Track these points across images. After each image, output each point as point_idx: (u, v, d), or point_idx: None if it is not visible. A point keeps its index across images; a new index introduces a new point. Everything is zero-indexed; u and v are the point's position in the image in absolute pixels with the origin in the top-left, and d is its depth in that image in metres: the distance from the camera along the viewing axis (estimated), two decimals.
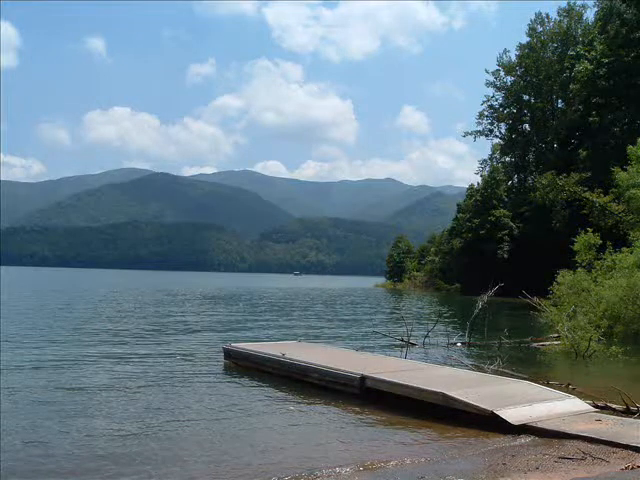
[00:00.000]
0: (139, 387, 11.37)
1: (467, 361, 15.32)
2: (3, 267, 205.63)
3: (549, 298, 22.63)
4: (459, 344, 19.05)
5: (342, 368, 10.92)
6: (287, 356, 12.32)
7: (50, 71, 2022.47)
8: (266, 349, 13.46)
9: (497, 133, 72.73)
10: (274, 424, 8.87)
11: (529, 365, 15.08)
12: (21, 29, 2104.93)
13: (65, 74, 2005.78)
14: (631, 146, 26.76)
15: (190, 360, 14.99)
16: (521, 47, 67.76)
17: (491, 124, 71.84)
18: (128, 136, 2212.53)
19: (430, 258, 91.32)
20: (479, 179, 75.14)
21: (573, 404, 9.02)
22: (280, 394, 10.97)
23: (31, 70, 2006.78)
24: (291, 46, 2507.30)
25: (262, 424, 8.89)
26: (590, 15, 66.50)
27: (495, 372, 12.85)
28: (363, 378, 10.29)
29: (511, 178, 73.63)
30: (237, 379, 12.44)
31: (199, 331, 22.77)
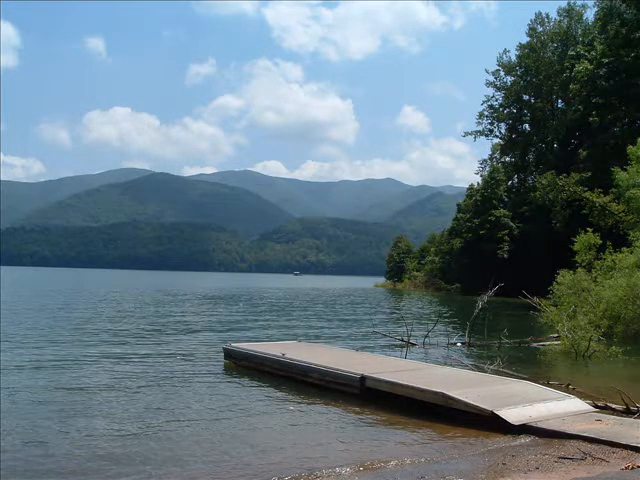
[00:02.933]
0: (139, 387, 11.37)
1: (467, 361, 15.33)
2: (3, 267, 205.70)
3: (549, 298, 22.64)
4: (459, 344, 19.07)
5: (342, 368, 10.92)
6: (287, 356, 12.32)
7: (50, 71, 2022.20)
8: (266, 349, 13.46)
9: (497, 133, 72.77)
10: (274, 424, 8.88)
11: (529, 365, 15.09)
12: (21, 29, 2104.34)
13: (65, 74, 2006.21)
14: (631, 146, 26.76)
15: (190, 360, 15.00)
16: (521, 47, 67.78)
17: (491, 124, 71.85)
18: (128, 136, 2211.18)
19: (430, 258, 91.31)
20: (479, 179, 75.34)
21: (573, 404, 9.03)
22: (280, 394, 10.98)
23: (31, 70, 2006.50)
24: (291, 46, 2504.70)
25: (262, 424, 8.89)
26: (590, 15, 66.59)
27: (495, 372, 12.86)
28: (363, 378, 10.29)
29: (511, 178, 73.65)
30: (237, 379, 12.45)
31: (199, 331, 22.79)
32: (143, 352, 16.19)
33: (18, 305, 34.73)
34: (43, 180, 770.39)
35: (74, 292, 56.16)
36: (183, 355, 15.77)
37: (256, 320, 28.29)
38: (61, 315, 28.48)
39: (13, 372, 12.60)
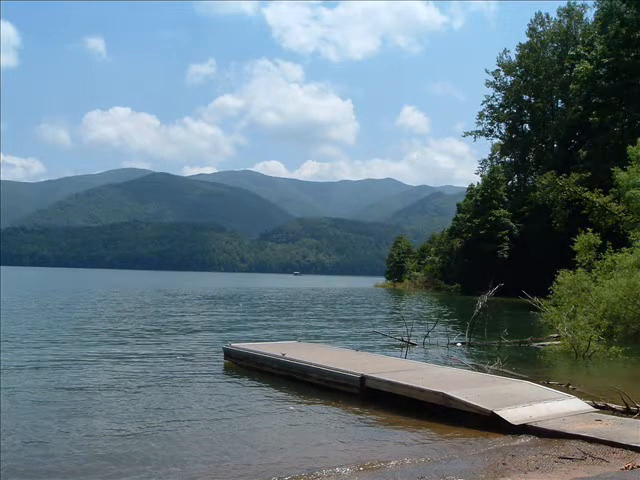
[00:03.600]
0: (139, 387, 11.37)
1: (467, 361, 15.32)
2: (3, 267, 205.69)
3: (549, 298, 22.65)
4: (459, 344, 19.06)
5: (342, 368, 10.91)
6: (287, 356, 12.32)
7: (50, 71, 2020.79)
8: (266, 349, 13.46)
9: (497, 133, 72.89)
10: (274, 424, 8.87)
11: (529, 365, 15.09)
12: (21, 29, 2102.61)
13: (65, 74, 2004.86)
14: (631, 146, 26.78)
15: (190, 360, 15.01)
16: (521, 47, 67.82)
17: (491, 124, 71.93)
18: (128, 136, 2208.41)
19: (430, 258, 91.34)
20: (479, 179, 75.33)
21: (573, 404, 9.02)
22: (280, 394, 10.97)
23: (31, 70, 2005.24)
24: (291, 46, 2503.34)
25: (262, 424, 8.88)
26: (590, 15, 66.68)
27: (495, 372, 12.85)
28: (363, 378, 10.28)
29: (511, 178, 73.70)
30: (237, 379, 12.44)
31: (199, 331, 22.80)
32: (143, 352, 16.18)
33: (18, 305, 34.72)
34: (43, 180, 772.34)
35: (74, 292, 56.14)
36: (183, 355, 15.77)
37: (256, 320, 28.28)
38: (61, 315, 28.47)
39: (13, 372, 12.59)
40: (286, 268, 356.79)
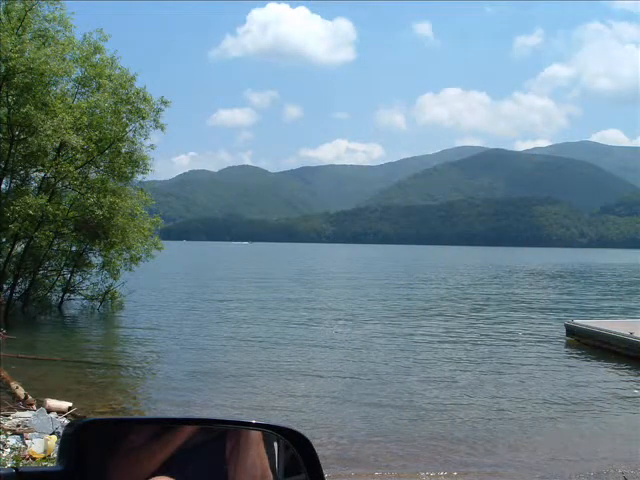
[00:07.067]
0: (482, 365, 11.76)
1: None
2: (351, 245, 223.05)
3: None
4: None
5: None
6: (636, 335, 11.67)
7: (383, 60, 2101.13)
8: (611, 327, 12.89)
9: None
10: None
11: None
12: (357, 24, 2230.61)
13: (397, 61, 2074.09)
14: None
15: (530, 334, 15.03)
16: None
17: None
18: (459, 115, 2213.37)
19: None
20: None
21: None
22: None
23: (366, 61, 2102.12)
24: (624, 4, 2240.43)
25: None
26: None
27: None
28: None
29: None
30: (582, 360, 12.18)
31: (538, 307, 22.55)
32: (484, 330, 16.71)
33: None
34: (383, 163, 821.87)
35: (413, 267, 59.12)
36: (523, 329, 15.84)
37: (600, 299, 26.92)
38: (403, 293, 30.39)
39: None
40: (631, 243, 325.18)
